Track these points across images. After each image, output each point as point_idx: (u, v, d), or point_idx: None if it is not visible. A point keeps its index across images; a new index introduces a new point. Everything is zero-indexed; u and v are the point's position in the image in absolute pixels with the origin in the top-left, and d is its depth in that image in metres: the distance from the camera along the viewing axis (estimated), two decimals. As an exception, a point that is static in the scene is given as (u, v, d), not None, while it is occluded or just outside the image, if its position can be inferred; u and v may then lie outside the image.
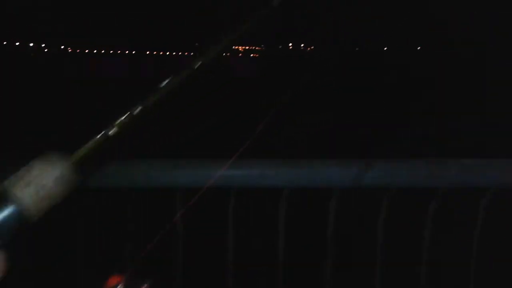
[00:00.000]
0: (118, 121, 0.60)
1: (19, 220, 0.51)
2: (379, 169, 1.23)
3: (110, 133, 0.60)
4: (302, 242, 2.10)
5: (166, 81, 0.64)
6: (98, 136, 0.59)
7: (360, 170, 1.21)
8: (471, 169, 1.27)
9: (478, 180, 1.26)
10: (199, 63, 0.67)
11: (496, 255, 1.53)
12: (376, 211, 1.31)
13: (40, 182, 0.53)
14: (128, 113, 0.60)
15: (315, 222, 1.39)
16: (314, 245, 1.44)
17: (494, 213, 1.35)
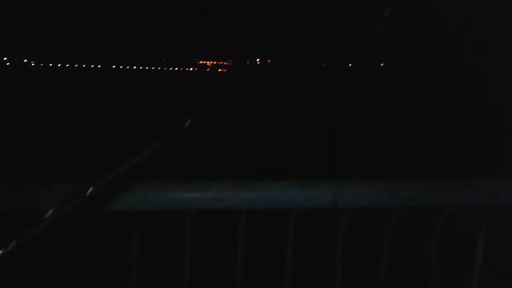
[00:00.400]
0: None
1: None
2: (342, 190, 1.24)
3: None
4: (261, 264, 2.09)
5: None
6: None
7: (322, 192, 1.22)
8: (428, 190, 1.30)
9: (435, 200, 1.29)
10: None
11: (451, 273, 1.57)
12: (335, 232, 1.32)
13: None
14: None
15: (273, 244, 1.39)
16: (273, 267, 1.43)
17: (449, 231, 1.39)
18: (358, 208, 1.26)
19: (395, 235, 1.36)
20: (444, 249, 1.39)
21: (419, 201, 1.29)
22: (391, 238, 1.35)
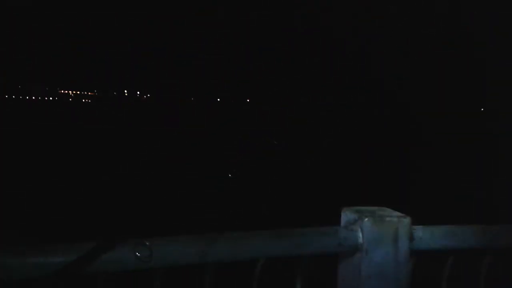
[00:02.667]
0: None
1: None
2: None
3: None
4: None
5: None
6: None
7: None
8: (238, 242, 1.43)
9: (247, 252, 1.44)
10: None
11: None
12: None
13: None
14: None
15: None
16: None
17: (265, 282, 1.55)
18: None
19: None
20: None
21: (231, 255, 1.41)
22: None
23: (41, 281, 1.19)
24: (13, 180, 10.62)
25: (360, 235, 1.56)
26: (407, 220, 1.60)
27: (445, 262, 1.73)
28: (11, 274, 1.20)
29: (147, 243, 1.24)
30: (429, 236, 1.69)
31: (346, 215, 1.62)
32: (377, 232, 1.56)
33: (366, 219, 1.56)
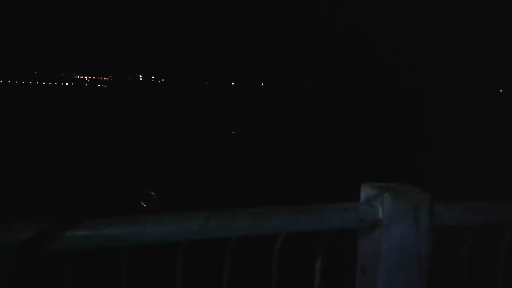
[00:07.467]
0: None
1: None
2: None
3: None
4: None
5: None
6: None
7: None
8: (259, 217, 1.43)
9: (267, 227, 1.44)
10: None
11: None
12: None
13: None
14: None
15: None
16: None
17: (286, 256, 1.56)
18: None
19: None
20: (282, 274, 1.51)
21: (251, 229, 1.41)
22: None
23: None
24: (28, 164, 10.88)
25: (381, 210, 1.55)
26: (427, 195, 1.59)
27: (466, 238, 1.73)
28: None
29: (153, 193, 1.23)
30: (450, 211, 1.68)
31: (366, 191, 1.61)
32: (398, 208, 1.56)
33: (387, 194, 1.55)
